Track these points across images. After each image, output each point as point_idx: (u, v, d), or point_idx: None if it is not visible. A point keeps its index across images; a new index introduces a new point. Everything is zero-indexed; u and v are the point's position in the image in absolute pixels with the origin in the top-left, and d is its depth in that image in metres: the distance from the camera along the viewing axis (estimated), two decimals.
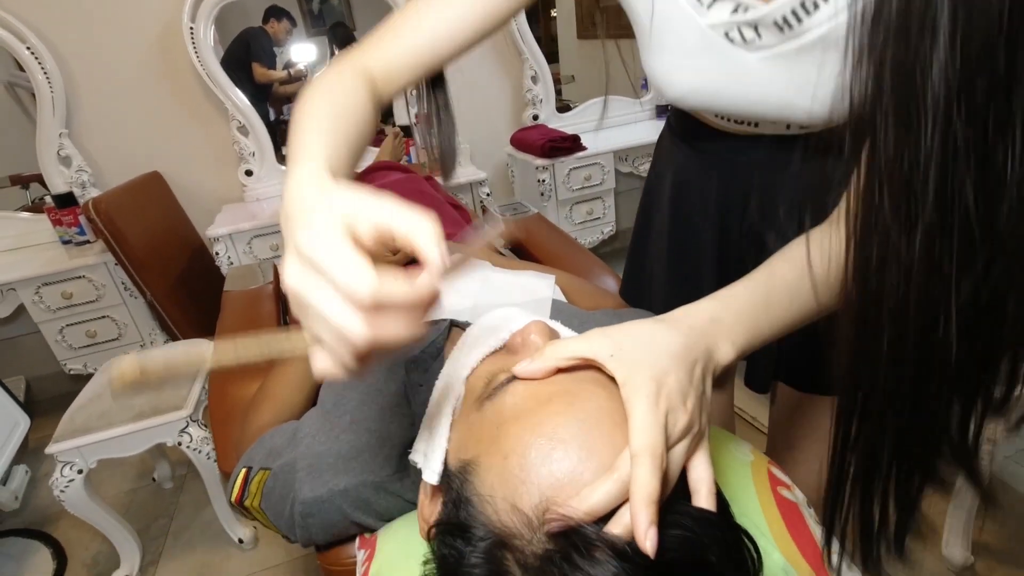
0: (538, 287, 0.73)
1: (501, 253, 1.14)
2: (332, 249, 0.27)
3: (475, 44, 0.53)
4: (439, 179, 1.84)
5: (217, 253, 1.82)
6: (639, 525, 0.29)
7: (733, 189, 0.66)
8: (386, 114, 2.28)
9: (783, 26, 0.44)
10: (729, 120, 0.60)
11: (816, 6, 0.42)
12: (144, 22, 1.84)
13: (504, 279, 0.75)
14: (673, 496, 0.33)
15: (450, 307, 0.66)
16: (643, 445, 0.31)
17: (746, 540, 0.35)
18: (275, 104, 2.23)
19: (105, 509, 1.28)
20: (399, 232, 0.28)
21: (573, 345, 0.37)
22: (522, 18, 2.13)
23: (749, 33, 0.47)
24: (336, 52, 2.23)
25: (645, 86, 2.46)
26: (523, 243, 1.22)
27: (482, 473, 0.35)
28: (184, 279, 1.80)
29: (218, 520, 1.39)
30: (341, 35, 2.22)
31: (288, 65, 2.15)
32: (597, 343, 0.37)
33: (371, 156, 2.06)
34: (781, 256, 0.43)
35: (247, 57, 2.11)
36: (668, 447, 0.32)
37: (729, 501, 0.37)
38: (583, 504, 0.31)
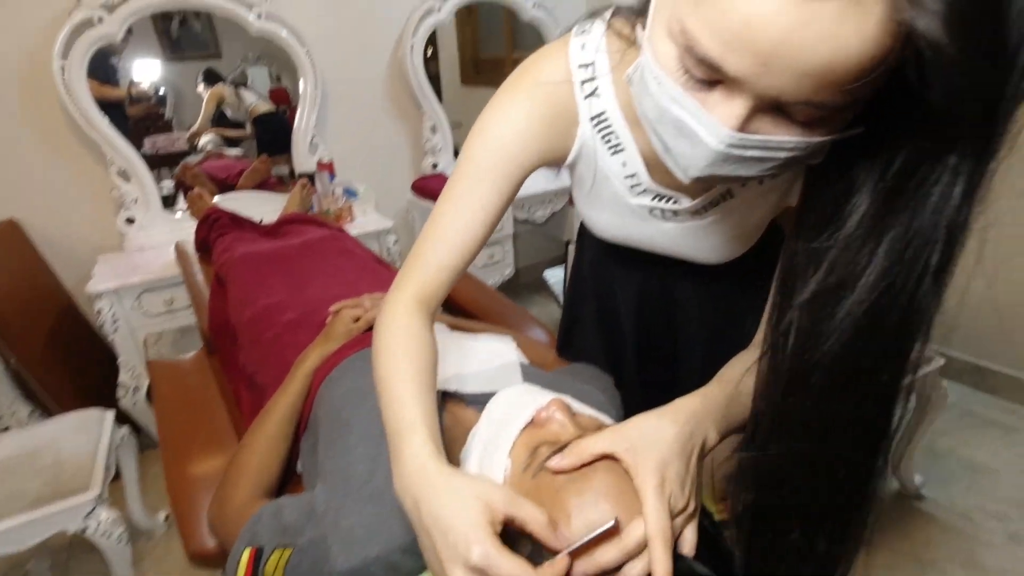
0: (503, 351, 0.83)
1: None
2: (499, 561, 0.37)
3: (492, 231, 0.60)
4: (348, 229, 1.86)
5: (99, 311, 1.66)
6: None
7: (647, 273, 0.81)
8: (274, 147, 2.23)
9: (697, 212, 0.60)
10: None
11: (718, 203, 0.59)
12: (6, 58, 1.66)
13: (472, 344, 0.84)
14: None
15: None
16: (656, 529, 0.41)
17: None
18: (135, 137, 2.07)
19: None
20: (520, 520, 0.41)
21: (596, 444, 0.47)
22: (421, 69, 2.24)
23: (669, 214, 0.62)
24: (204, 91, 2.14)
25: None
26: (456, 300, 1.31)
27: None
28: (56, 342, 1.62)
29: None
30: (211, 78, 2.14)
31: (130, 84, 2.00)
32: (614, 440, 0.46)
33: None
34: (736, 366, 0.57)
35: None
36: (672, 516, 0.43)
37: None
38: (597, 561, 0.41)
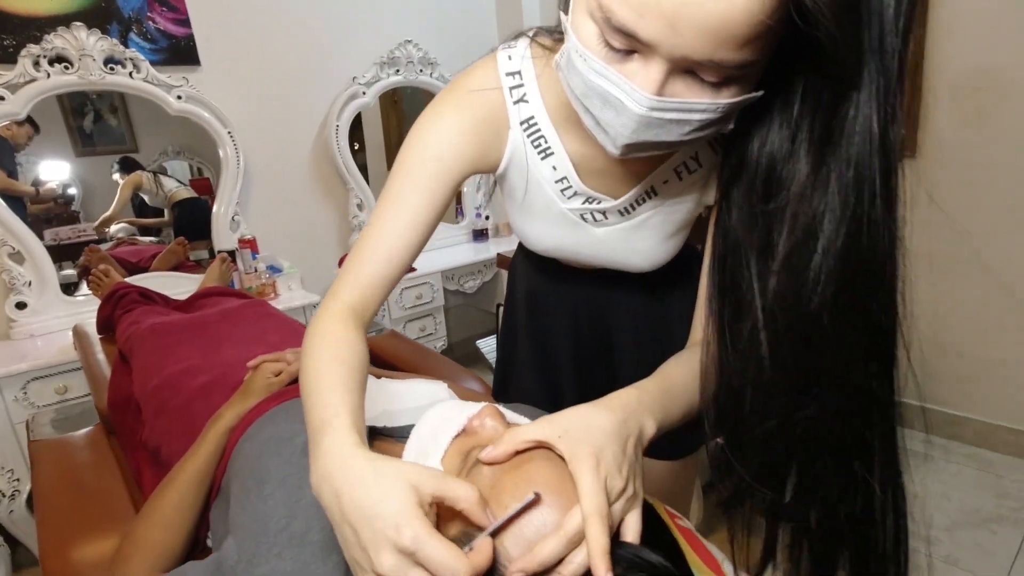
0: (436, 391, 0.79)
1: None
2: (429, 544, 0.35)
3: (427, 239, 0.61)
4: (271, 302, 1.79)
5: None
6: (598, 573, 0.37)
7: (579, 305, 0.84)
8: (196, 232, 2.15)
9: (624, 212, 0.64)
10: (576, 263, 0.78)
11: (643, 201, 0.63)
12: None
13: (401, 387, 0.80)
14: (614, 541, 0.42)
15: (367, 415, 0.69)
16: (592, 508, 0.39)
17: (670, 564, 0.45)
18: (35, 227, 1.94)
19: None
20: (451, 500, 0.38)
21: (527, 432, 0.45)
22: (346, 149, 2.29)
23: (599, 216, 0.65)
24: (120, 179, 2.07)
25: (461, 213, 2.76)
26: (385, 359, 1.26)
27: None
28: None
29: None
30: (128, 165, 2.08)
31: (37, 183, 1.91)
32: (546, 428, 0.44)
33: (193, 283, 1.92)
34: (671, 364, 0.58)
35: None
36: (609, 505, 0.41)
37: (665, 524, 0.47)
38: (537, 557, 0.38)
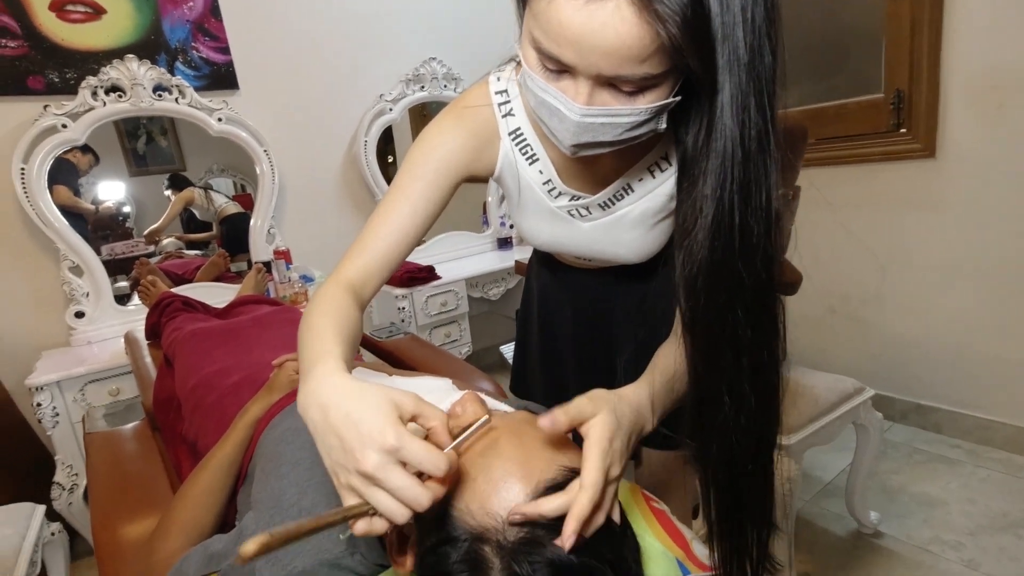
0: (440, 386, 0.86)
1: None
2: (412, 443, 0.41)
3: (424, 232, 0.69)
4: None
5: (39, 404, 1.60)
6: (566, 529, 0.42)
7: (581, 298, 0.90)
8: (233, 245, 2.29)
9: (604, 206, 0.71)
10: (574, 258, 0.85)
11: (621, 197, 0.70)
12: None
13: (404, 381, 0.87)
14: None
15: None
16: (590, 482, 0.44)
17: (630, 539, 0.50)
18: (93, 244, 2.11)
19: None
20: (424, 418, 0.45)
21: (582, 408, 0.49)
22: (374, 164, 2.39)
23: (584, 212, 0.73)
24: (171, 195, 2.23)
25: (486, 222, 2.83)
26: (403, 360, 1.33)
27: (455, 495, 0.46)
28: None
29: None
30: (178, 182, 2.23)
31: (96, 201, 2.07)
32: (590, 404, 0.50)
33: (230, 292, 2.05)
34: (662, 356, 0.64)
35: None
36: (605, 485, 0.46)
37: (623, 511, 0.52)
38: (540, 508, 0.44)
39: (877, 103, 1.84)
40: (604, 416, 0.49)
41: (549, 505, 0.44)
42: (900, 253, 1.91)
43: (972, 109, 1.66)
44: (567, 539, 0.42)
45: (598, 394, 0.53)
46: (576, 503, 0.43)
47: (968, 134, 1.68)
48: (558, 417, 0.47)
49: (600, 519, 0.46)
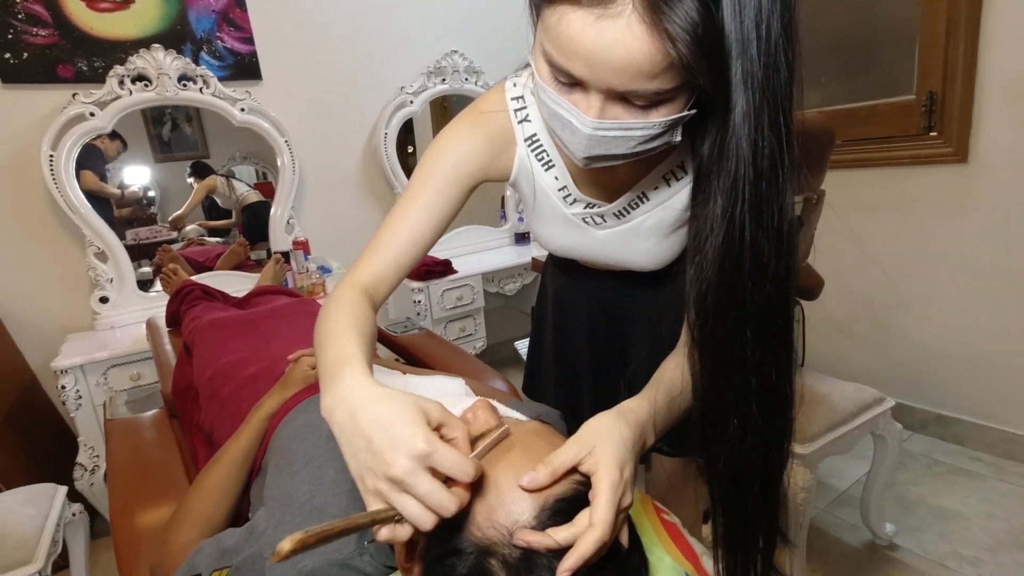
0: (450, 386, 0.86)
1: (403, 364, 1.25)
2: (442, 449, 0.41)
3: (439, 236, 0.69)
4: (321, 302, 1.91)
5: (63, 387, 1.65)
6: (564, 564, 0.42)
7: (596, 300, 0.90)
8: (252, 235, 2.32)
9: (619, 215, 0.71)
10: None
11: (636, 206, 0.69)
12: None
13: (419, 381, 0.87)
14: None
15: None
16: (600, 520, 0.43)
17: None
18: (118, 228, 2.15)
19: None
20: (448, 427, 0.45)
21: (564, 457, 0.47)
22: (394, 156, 2.40)
23: (598, 219, 0.72)
24: (194, 183, 2.26)
25: (504, 217, 2.83)
26: (417, 356, 1.34)
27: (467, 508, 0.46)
28: (13, 421, 1.59)
29: None
30: (200, 170, 2.26)
31: (122, 186, 2.11)
32: (577, 450, 0.48)
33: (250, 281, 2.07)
34: (667, 370, 0.63)
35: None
36: (617, 513, 0.45)
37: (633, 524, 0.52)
38: (545, 541, 0.43)
39: (908, 105, 1.79)
40: (610, 448, 0.49)
41: (556, 537, 0.43)
42: (927, 259, 1.86)
43: (1008, 113, 1.61)
44: (563, 574, 0.42)
45: (594, 427, 0.51)
46: (582, 541, 0.43)
47: (1003, 139, 1.63)
48: (538, 475, 0.45)
49: (607, 544, 0.46)
